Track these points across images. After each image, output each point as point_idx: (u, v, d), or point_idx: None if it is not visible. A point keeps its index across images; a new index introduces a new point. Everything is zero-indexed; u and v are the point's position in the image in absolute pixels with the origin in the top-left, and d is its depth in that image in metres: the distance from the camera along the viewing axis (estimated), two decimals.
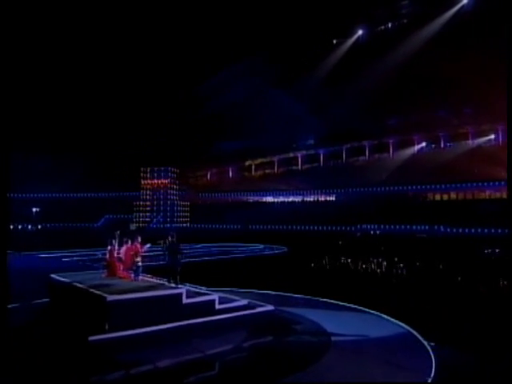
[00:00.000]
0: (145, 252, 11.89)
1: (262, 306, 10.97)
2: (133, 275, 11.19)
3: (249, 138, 61.19)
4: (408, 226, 46.55)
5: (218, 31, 56.28)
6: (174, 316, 9.40)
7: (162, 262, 11.99)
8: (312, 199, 62.94)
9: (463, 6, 57.43)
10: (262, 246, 32.57)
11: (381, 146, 67.53)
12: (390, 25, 63.22)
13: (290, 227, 52.32)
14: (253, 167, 75.18)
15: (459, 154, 57.14)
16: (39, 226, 55.43)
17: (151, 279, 11.48)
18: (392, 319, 10.32)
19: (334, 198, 61.28)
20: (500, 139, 56.67)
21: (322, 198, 62.48)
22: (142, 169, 60.80)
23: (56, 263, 21.27)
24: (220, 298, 10.53)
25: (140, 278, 11.14)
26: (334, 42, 66.60)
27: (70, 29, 56.40)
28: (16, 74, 45.21)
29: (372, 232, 47.78)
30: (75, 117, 61.11)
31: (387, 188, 57.59)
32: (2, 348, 5.94)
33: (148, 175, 61.09)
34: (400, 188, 56.94)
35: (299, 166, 72.36)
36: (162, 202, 60.45)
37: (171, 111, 63.37)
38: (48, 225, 56.39)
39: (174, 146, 61.19)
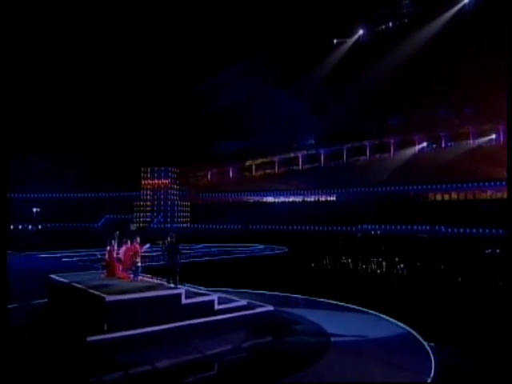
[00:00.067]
0: (144, 252, 11.87)
1: (261, 306, 10.94)
2: (132, 275, 11.16)
3: (249, 138, 61.16)
4: (409, 226, 46.48)
5: (218, 31, 56.30)
6: (173, 316, 9.38)
7: (161, 263, 11.98)
8: (313, 199, 62.89)
9: (464, 6, 57.37)
10: (262, 247, 32.55)
11: (382, 146, 67.44)
12: (390, 24, 63.15)
13: (290, 227, 52.27)
14: (253, 167, 75.15)
15: (460, 154, 57.04)
16: (39, 226, 55.46)
17: (150, 279, 11.46)
18: (392, 320, 10.29)
19: (334, 198, 61.22)
20: (501, 139, 56.54)
21: (323, 198, 62.42)
22: (142, 169, 60.82)
23: (56, 263, 21.27)
24: (219, 298, 10.51)
25: (139, 278, 11.12)
26: (335, 41, 66.57)
27: (70, 29, 56.47)
28: (16, 75, 45.25)
29: (373, 232, 47.70)
30: (75, 117, 61.15)
31: (388, 188, 57.52)
32: (2, 348, 5.92)
33: (148, 175, 61.10)
34: (401, 188, 56.85)
35: (300, 166, 72.30)
36: (162, 202, 60.45)
37: (171, 111, 63.37)
38: (48, 225, 56.43)
39: (174, 146, 61.20)
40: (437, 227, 44.69)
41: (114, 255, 11.40)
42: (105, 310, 8.81)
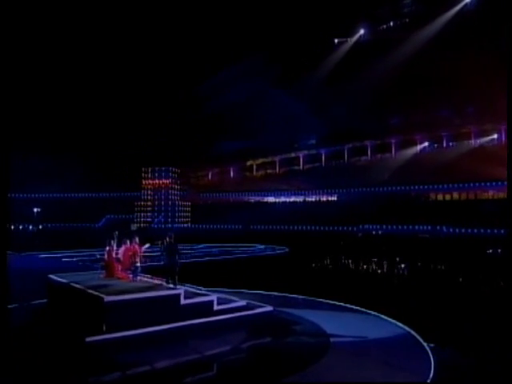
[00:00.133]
0: (144, 252, 11.85)
1: (260, 306, 10.92)
2: (131, 276, 11.15)
3: (250, 138, 61.11)
4: (410, 227, 46.38)
5: (218, 31, 56.26)
6: (172, 317, 9.36)
7: (161, 263, 11.95)
8: (314, 199, 62.83)
9: (466, 5, 57.22)
10: (263, 247, 32.53)
11: (383, 146, 67.30)
12: (391, 24, 63.03)
13: (291, 227, 52.23)
14: (254, 167, 75.10)
15: (462, 154, 56.90)
16: (40, 227, 55.50)
17: (149, 280, 11.44)
18: (392, 320, 10.25)
19: (335, 198, 61.15)
20: (503, 139, 56.37)
21: (324, 198, 62.35)
22: (143, 169, 60.84)
23: (56, 263, 21.29)
24: (218, 298, 10.49)
25: (138, 278, 11.11)
26: (336, 41, 66.48)
27: (70, 29, 56.49)
28: (16, 74, 45.31)
29: (374, 232, 47.62)
30: (75, 117, 61.17)
31: (389, 188, 57.41)
32: (2, 348, 5.91)
33: (149, 175, 61.13)
34: (402, 188, 56.74)
35: (301, 166, 72.22)
36: (163, 202, 60.47)
37: (171, 111, 63.35)
38: (49, 225, 56.48)
39: (174, 146, 61.18)
40: (438, 227, 44.59)
41: (113, 255, 11.39)
42: (103, 310, 8.80)
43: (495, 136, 58.99)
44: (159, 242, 11.37)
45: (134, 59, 59.57)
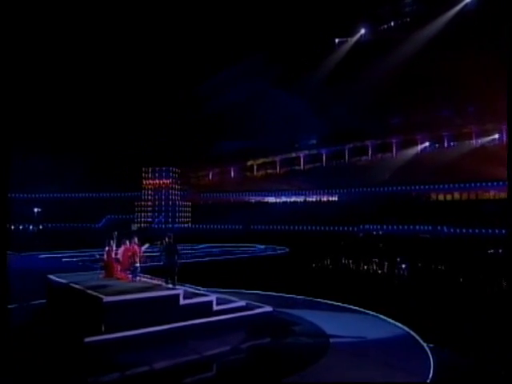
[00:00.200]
0: (144, 252, 11.84)
1: (260, 307, 10.90)
2: (130, 276, 11.13)
3: (250, 138, 61.09)
4: (411, 227, 46.31)
5: (219, 31, 56.23)
6: (171, 317, 9.34)
7: (160, 263, 11.94)
8: (314, 199, 62.76)
9: (466, 5, 57.13)
10: (263, 247, 32.51)
11: (384, 146, 67.20)
12: (392, 24, 62.95)
13: (292, 227, 52.19)
14: (255, 167, 75.06)
15: (463, 154, 56.80)
16: (40, 227, 55.51)
17: (149, 280, 11.43)
18: (391, 321, 10.23)
19: (336, 198, 61.07)
20: (504, 139, 56.25)
21: (325, 198, 62.28)
22: (143, 169, 60.83)
23: (56, 264, 21.29)
24: (218, 299, 10.47)
25: (138, 278, 11.09)
26: (336, 40, 66.43)
27: (70, 28, 56.51)
28: (16, 74, 45.33)
29: (375, 232, 47.57)
30: (75, 117, 61.18)
31: (390, 188, 57.32)
32: (2, 348, 5.90)
33: (149, 175, 61.13)
34: (403, 188, 56.65)
35: (301, 166, 72.16)
36: (163, 203, 60.46)
37: (171, 111, 63.35)
38: (49, 225, 56.49)
39: (175, 146, 61.17)
40: (439, 227, 44.50)
41: (113, 256, 11.37)
42: (102, 310, 8.79)
43: (496, 136, 58.84)
44: (158, 243, 11.36)
45: (134, 59, 59.58)
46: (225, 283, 14.25)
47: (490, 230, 40.18)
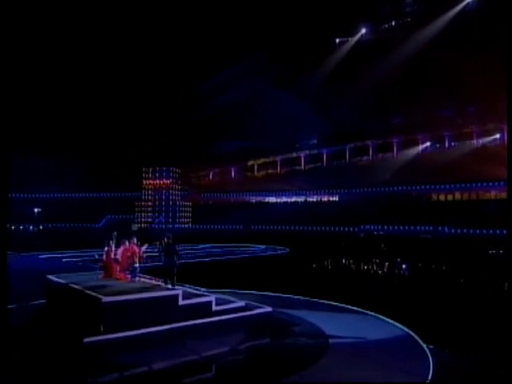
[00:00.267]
0: (144, 252, 11.82)
1: (259, 307, 10.87)
2: (129, 276, 11.11)
3: (251, 138, 61.07)
4: (412, 227, 46.23)
5: (219, 30, 56.22)
6: (170, 317, 9.32)
7: (160, 263, 11.91)
8: (315, 199, 62.69)
9: (467, 5, 57.05)
10: (263, 247, 32.49)
11: (385, 146, 67.09)
12: (393, 23, 62.89)
13: (292, 228, 52.14)
14: (255, 167, 75.02)
15: (464, 154, 56.69)
16: (40, 227, 55.53)
17: (148, 280, 11.40)
18: (391, 321, 10.19)
19: (337, 199, 61.00)
20: (505, 139, 56.15)
21: (325, 199, 62.21)
22: (143, 169, 60.83)
23: (56, 264, 21.29)
24: (217, 299, 10.44)
25: (137, 279, 11.06)
26: (337, 40, 66.37)
27: (70, 29, 56.55)
28: (16, 75, 45.37)
29: (375, 233, 47.51)
30: (75, 117, 61.21)
31: (391, 188, 57.23)
32: (2, 348, 5.88)
33: (150, 175, 61.13)
34: (404, 188, 56.55)
35: (302, 166, 72.10)
36: (163, 203, 60.46)
37: (171, 111, 63.34)
38: (50, 225, 56.52)
39: (175, 146, 61.17)
40: (440, 228, 44.42)
41: (112, 256, 11.35)
42: (101, 311, 8.77)
43: (497, 136, 58.70)
44: (157, 243, 11.33)
45: (134, 59, 59.60)
46: (225, 283, 14.22)
47: (491, 231, 40.09)
